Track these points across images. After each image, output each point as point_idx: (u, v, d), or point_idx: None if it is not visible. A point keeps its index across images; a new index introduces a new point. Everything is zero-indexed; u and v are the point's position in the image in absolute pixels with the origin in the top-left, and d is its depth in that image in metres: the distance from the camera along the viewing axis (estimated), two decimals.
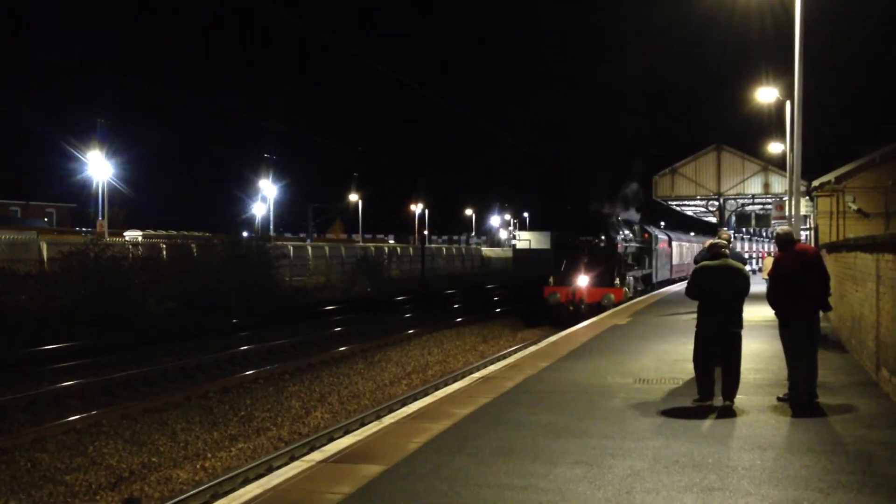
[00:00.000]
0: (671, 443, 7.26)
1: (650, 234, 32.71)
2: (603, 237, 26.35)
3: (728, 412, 8.47)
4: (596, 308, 24.09)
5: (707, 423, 8.10)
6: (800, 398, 8.73)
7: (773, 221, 39.32)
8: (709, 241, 9.63)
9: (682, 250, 43.19)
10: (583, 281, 25.16)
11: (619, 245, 26.51)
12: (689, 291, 9.10)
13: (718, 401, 8.73)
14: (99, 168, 38.92)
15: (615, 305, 24.16)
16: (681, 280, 39.06)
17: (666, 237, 37.43)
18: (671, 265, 38.99)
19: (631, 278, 27.63)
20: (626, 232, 28.93)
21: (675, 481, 6.09)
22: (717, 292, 8.77)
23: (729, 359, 8.77)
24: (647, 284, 32.20)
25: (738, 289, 8.79)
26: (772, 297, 8.99)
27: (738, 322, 8.84)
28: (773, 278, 8.98)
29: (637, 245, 30.62)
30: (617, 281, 25.48)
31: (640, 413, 8.56)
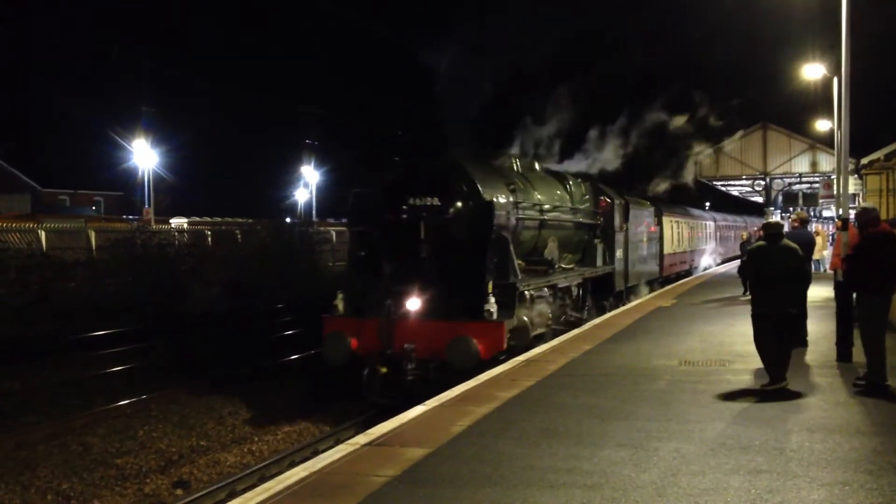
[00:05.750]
0: (718, 425, 7.17)
1: (609, 201, 17.50)
2: (462, 199, 11.65)
3: (778, 394, 8.35)
4: (442, 372, 10.64)
5: (755, 405, 7.99)
6: (877, 381, 8.48)
7: (820, 200, 38.63)
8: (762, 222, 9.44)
9: (682, 232, 28.56)
10: (411, 304, 11.32)
11: (501, 217, 11.75)
12: (743, 271, 9.00)
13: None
14: (144, 156, 39.43)
15: (487, 361, 10.69)
16: (679, 278, 27.84)
17: (650, 209, 22.86)
18: (661, 256, 24.28)
19: (538, 292, 12.75)
20: (539, 191, 14.14)
21: (721, 463, 6.02)
22: (770, 272, 8.62)
23: (782, 339, 8.63)
24: (608, 293, 17.75)
25: (791, 268, 8.63)
26: (852, 276, 8.82)
27: (792, 302, 8.69)
28: (856, 256, 8.79)
29: (572, 219, 15.59)
30: (490, 304, 10.96)
31: (685, 395, 8.46)
